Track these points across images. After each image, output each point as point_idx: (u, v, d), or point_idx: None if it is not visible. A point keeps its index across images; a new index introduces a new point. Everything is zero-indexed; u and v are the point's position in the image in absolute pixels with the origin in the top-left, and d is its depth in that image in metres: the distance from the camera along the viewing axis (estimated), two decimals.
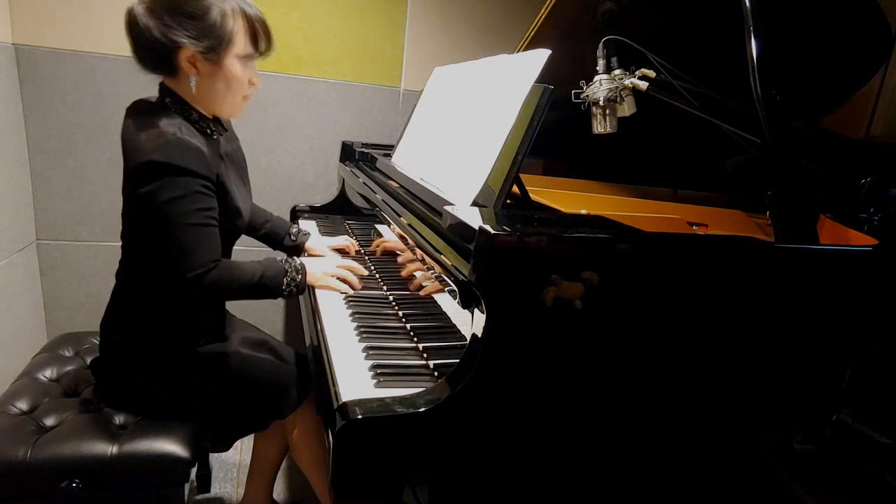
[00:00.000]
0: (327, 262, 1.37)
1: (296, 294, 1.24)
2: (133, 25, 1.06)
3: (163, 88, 1.15)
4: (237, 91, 1.16)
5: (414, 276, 1.28)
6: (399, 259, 1.42)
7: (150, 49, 1.07)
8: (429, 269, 1.17)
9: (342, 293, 1.31)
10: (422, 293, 1.22)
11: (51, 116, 1.86)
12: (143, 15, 1.04)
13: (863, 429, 1.14)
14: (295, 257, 1.28)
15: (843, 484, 1.21)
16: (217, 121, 1.23)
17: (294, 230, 1.58)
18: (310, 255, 1.55)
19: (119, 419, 1.20)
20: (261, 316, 2.26)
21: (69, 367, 1.39)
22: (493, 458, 0.89)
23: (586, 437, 0.94)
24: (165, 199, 1.04)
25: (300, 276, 1.23)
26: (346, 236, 1.64)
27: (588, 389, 0.91)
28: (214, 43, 1.07)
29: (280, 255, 1.38)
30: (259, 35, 1.13)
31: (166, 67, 1.10)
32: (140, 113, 1.12)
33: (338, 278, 1.32)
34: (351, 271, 1.35)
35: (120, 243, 1.22)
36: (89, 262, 2.01)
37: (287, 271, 1.22)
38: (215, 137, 1.21)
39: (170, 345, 1.21)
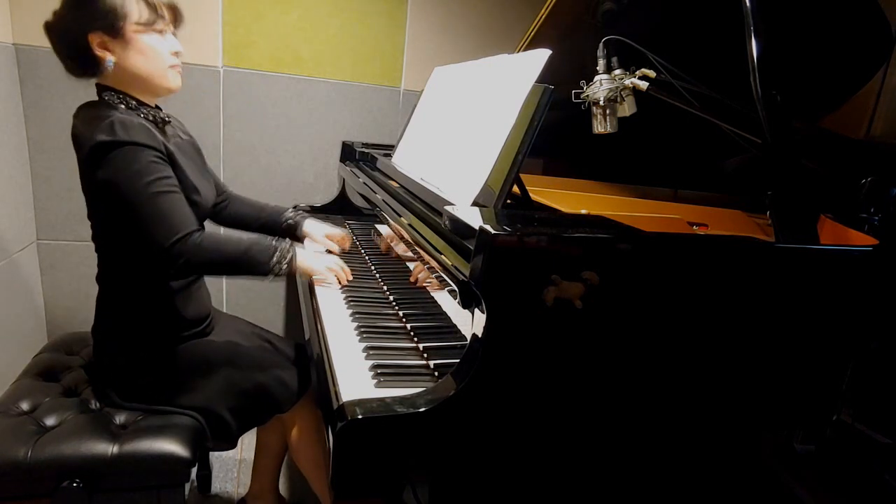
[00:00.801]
0: (322, 258, 1.37)
1: (284, 274, 1.21)
2: (50, 35, 1.14)
3: (98, 87, 1.19)
4: (157, 61, 1.17)
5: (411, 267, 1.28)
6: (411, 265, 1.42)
7: (69, 50, 1.13)
8: (428, 266, 1.17)
9: (338, 286, 1.32)
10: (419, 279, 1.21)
11: (51, 116, 1.86)
12: (52, 23, 1.13)
13: (863, 429, 1.14)
14: (287, 239, 1.26)
15: (843, 484, 1.21)
16: (158, 109, 1.25)
17: (289, 213, 1.57)
18: (307, 239, 1.54)
19: (119, 419, 1.20)
20: (261, 316, 2.26)
21: (69, 367, 1.39)
22: (493, 458, 0.89)
23: (587, 437, 0.94)
24: (121, 177, 1.06)
25: (289, 256, 1.21)
26: (342, 228, 1.61)
27: (588, 389, 0.91)
28: (111, 19, 1.10)
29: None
30: (153, 2, 1.15)
31: (91, 63, 1.14)
32: (84, 110, 1.17)
33: (328, 269, 1.33)
34: (341, 268, 1.36)
35: None
36: (89, 262, 1.98)
37: (277, 248, 1.20)
38: (159, 125, 1.21)
39: (157, 338, 1.21)
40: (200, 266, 1.14)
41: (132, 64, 1.15)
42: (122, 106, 1.16)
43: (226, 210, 1.53)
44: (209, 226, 1.29)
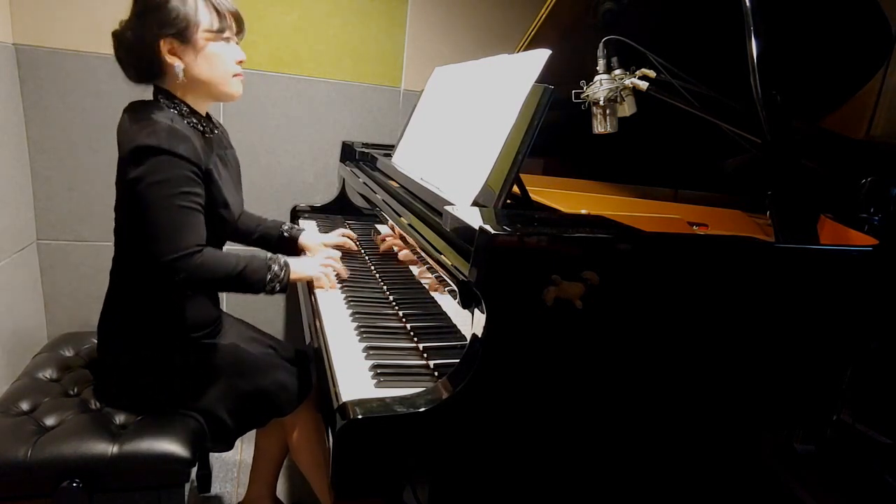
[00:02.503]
0: (312, 261, 1.38)
1: (279, 291, 1.22)
2: (119, 44, 1.16)
3: (155, 89, 1.20)
4: (222, 68, 1.19)
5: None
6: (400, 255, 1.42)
7: (137, 57, 1.15)
8: (428, 267, 1.17)
9: (337, 287, 1.33)
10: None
11: (51, 116, 1.86)
12: (122, 30, 1.15)
13: (863, 429, 1.14)
14: (280, 255, 1.27)
15: (843, 484, 1.21)
16: (209, 120, 1.27)
17: (286, 226, 1.57)
18: (304, 251, 1.53)
19: (119, 419, 1.20)
20: (261, 316, 2.26)
21: (69, 367, 1.39)
22: (493, 458, 0.89)
23: (586, 437, 0.94)
24: (151, 181, 1.07)
25: (283, 273, 1.22)
26: (340, 230, 1.61)
27: (588, 389, 0.91)
28: (183, 25, 1.12)
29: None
30: (222, 11, 1.17)
31: (155, 69, 1.16)
32: (135, 109, 1.17)
33: (324, 274, 1.33)
34: (335, 260, 1.38)
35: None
36: (89, 262, 2.01)
37: (270, 267, 1.21)
38: (207, 135, 1.23)
39: (163, 338, 1.22)
40: (197, 283, 1.15)
41: (199, 71, 1.17)
42: (174, 112, 1.17)
43: None
44: None
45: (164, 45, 1.13)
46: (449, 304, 1.10)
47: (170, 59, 1.14)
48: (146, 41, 1.12)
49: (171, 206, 1.08)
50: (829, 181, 1.25)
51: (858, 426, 1.13)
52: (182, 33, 1.13)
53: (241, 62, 1.23)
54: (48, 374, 1.36)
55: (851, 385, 1.06)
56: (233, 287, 1.19)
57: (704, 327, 0.95)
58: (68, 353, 1.46)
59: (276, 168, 2.19)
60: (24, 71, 1.80)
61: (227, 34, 1.18)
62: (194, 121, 1.20)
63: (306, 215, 2.03)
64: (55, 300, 2.01)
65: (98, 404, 1.24)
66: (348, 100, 2.21)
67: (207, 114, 1.27)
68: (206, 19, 1.15)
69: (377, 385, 0.93)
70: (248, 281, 1.18)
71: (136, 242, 1.16)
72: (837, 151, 1.43)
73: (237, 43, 1.23)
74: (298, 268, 1.28)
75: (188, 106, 1.20)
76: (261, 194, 2.18)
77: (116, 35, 1.16)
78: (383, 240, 1.52)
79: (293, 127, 2.17)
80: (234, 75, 1.22)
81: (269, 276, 1.20)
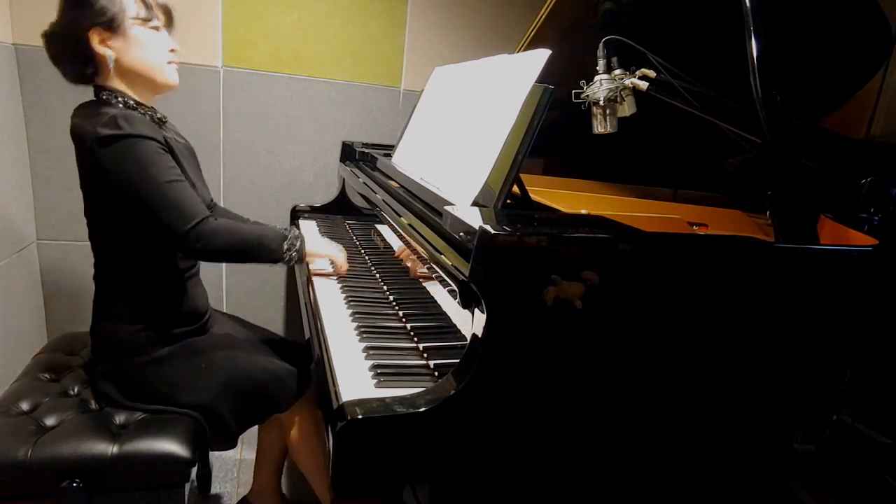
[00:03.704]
0: (325, 241, 1.42)
1: (296, 261, 1.26)
2: (50, 42, 1.17)
3: (96, 88, 1.21)
4: (154, 55, 1.21)
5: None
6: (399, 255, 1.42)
7: (70, 53, 1.16)
8: (427, 266, 1.17)
9: (337, 277, 1.36)
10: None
11: (51, 116, 1.86)
12: (51, 29, 1.16)
13: (863, 429, 1.14)
14: (292, 227, 1.31)
15: (843, 484, 1.21)
16: (154, 110, 1.28)
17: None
18: None
19: (119, 419, 1.20)
20: (261, 315, 2.26)
21: (69, 367, 1.39)
22: (493, 458, 0.89)
23: (587, 437, 0.94)
24: (132, 168, 1.09)
25: (299, 243, 1.26)
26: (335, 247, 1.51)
27: (588, 389, 0.91)
28: (111, 14, 1.14)
29: None
30: (148, 1, 1.18)
31: (90, 63, 1.17)
32: (83, 109, 1.19)
33: (331, 259, 1.39)
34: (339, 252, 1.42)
35: None
36: (89, 261, 1.98)
37: (287, 236, 1.24)
38: (155, 122, 1.24)
39: (155, 335, 1.22)
40: (216, 251, 1.16)
41: (132, 58, 1.18)
42: (121, 104, 1.18)
43: None
44: None
45: (94, 36, 1.14)
46: (449, 304, 1.10)
47: (101, 49, 1.15)
48: (76, 34, 1.13)
49: (160, 183, 1.10)
50: (829, 181, 1.25)
51: (858, 426, 1.13)
52: (110, 23, 1.14)
53: (173, 50, 1.24)
54: (48, 374, 1.36)
55: (851, 385, 1.06)
56: (251, 254, 1.20)
57: (704, 327, 0.95)
58: (68, 353, 1.46)
59: (276, 168, 2.19)
60: (24, 71, 1.80)
61: (155, 22, 1.20)
62: (141, 111, 1.21)
63: (306, 215, 2.03)
64: (55, 300, 2.01)
65: (98, 404, 1.24)
66: (348, 100, 2.21)
67: (152, 107, 1.28)
68: (132, 8, 1.16)
69: (377, 385, 0.93)
70: (268, 248, 1.20)
71: (118, 241, 1.19)
72: (837, 151, 1.43)
73: (168, 34, 1.24)
74: (314, 243, 1.32)
75: (132, 98, 1.22)
76: (261, 194, 2.18)
77: (47, 35, 1.17)
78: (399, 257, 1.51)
79: (293, 127, 2.17)
80: (168, 62, 1.23)
81: (286, 245, 1.22)
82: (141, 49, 1.18)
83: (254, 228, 1.24)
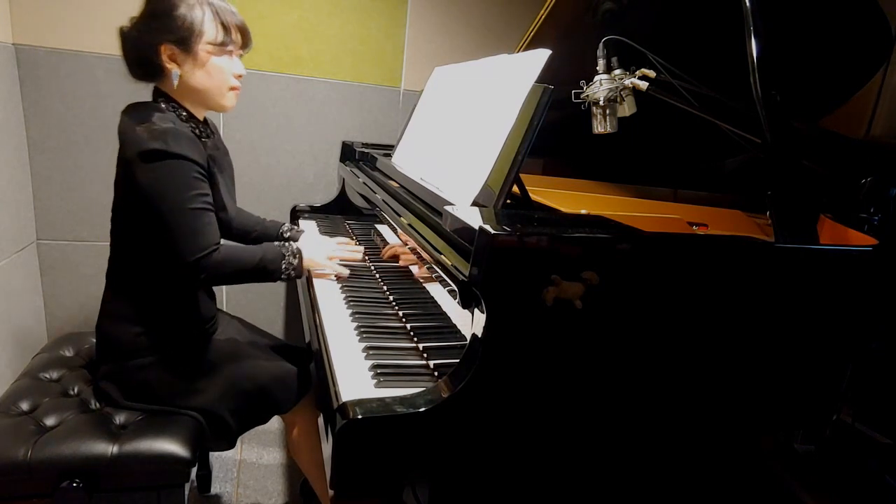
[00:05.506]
0: (322, 246, 1.40)
1: (294, 278, 1.27)
2: (123, 41, 1.18)
3: (155, 91, 1.22)
4: (220, 81, 1.21)
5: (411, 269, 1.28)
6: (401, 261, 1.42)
7: (137, 57, 1.17)
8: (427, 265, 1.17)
9: (337, 279, 1.36)
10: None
11: (51, 116, 1.86)
12: (127, 30, 1.17)
13: (863, 429, 1.14)
14: (291, 242, 1.31)
15: (843, 484, 1.21)
16: (205, 124, 1.29)
17: (286, 227, 1.59)
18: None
19: (119, 419, 1.20)
20: (261, 316, 2.26)
21: (69, 367, 1.39)
22: (493, 458, 0.89)
23: (586, 437, 0.94)
24: (166, 187, 1.09)
25: (297, 260, 1.27)
26: (339, 238, 1.56)
27: (588, 389, 0.91)
28: (186, 34, 1.14)
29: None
30: (228, 24, 1.19)
31: (154, 70, 1.18)
32: (136, 110, 1.18)
33: (333, 261, 1.38)
34: (344, 256, 1.41)
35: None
36: (89, 262, 2.01)
37: (285, 255, 1.25)
38: (203, 139, 1.25)
39: (162, 338, 1.22)
40: (219, 279, 1.19)
41: (196, 80, 1.19)
42: (174, 115, 1.19)
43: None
44: None
45: (164, 51, 1.15)
46: (449, 304, 1.10)
47: (169, 64, 1.16)
48: (148, 44, 1.14)
49: (187, 209, 1.10)
50: (828, 181, 1.25)
51: (858, 426, 1.13)
52: (184, 42, 1.15)
53: (239, 76, 1.24)
54: (48, 374, 1.36)
55: (851, 385, 1.06)
56: (252, 278, 1.22)
57: (704, 327, 0.95)
58: (68, 353, 1.46)
59: (276, 168, 2.19)
60: (24, 71, 1.80)
61: (230, 48, 1.20)
62: (192, 125, 1.22)
63: (306, 215, 2.03)
64: (55, 300, 2.01)
65: (98, 404, 1.24)
66: (348, 100, 2.21)
67: (205, 118, 1.29)
68: (210, 32, 1.16)
69: (377, 385, 0.93)
70: (266, 270, 1.22)
71: (144, 244, 1.18)
72: (837, 151, 1.43)
73: (240, 57, 1.25)
74: (310, 254, 1.32)
75: (186, 110, 1.22)
76: (261, 194, 2.18)
77: (123, 33, 1.18)
78: (395, 255, 1.51)
79: (293, 127, 2.17)
80: (231, 88, 1.24)
81: (283, 266, 1.24)
82: (206, 74, 1.19)
83: (255, 253, 1.21)
